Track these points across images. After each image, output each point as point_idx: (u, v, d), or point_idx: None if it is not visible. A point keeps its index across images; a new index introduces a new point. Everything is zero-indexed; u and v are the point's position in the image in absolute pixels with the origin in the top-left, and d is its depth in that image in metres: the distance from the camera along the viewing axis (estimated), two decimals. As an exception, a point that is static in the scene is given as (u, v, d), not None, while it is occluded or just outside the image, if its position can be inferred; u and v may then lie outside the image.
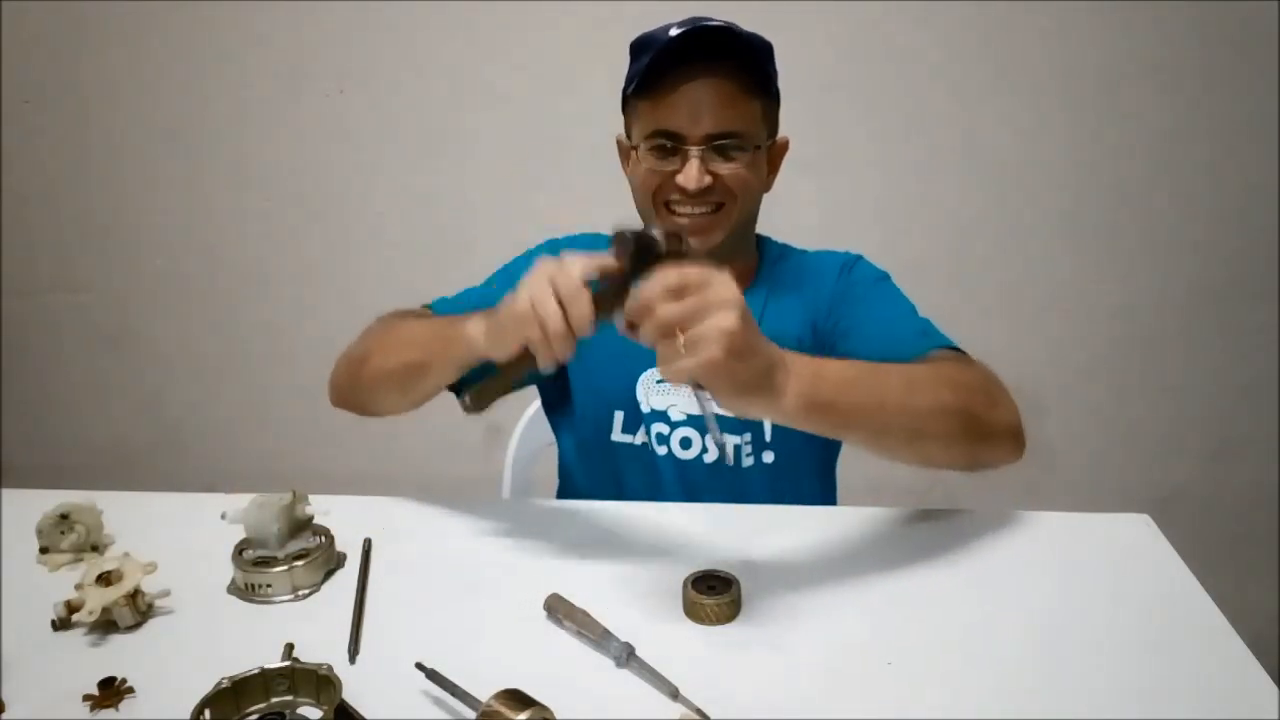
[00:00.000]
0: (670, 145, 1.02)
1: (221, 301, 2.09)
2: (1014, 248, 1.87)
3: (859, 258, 1.16)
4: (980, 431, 0.90)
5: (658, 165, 1.03)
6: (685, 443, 1.12)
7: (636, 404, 1.13)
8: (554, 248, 1.18)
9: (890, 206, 1.86)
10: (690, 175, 1.00)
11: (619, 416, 1.14)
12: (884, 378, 0.86)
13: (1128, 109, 1.76)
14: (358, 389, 1.07)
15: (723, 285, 0.72)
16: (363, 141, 1.93)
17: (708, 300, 0.71)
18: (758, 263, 1.17)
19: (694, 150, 1.00)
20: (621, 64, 1.07)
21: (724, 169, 1.02)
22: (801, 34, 1.71)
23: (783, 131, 1.09)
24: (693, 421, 1.12)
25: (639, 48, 1.05)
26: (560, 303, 0.77)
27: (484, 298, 1.13)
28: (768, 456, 1.11)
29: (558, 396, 1.20)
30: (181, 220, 2.04)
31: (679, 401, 1.11)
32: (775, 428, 1.11)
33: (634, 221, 0.88)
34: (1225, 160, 1.77)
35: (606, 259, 0.81)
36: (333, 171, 1.96)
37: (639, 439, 1.14)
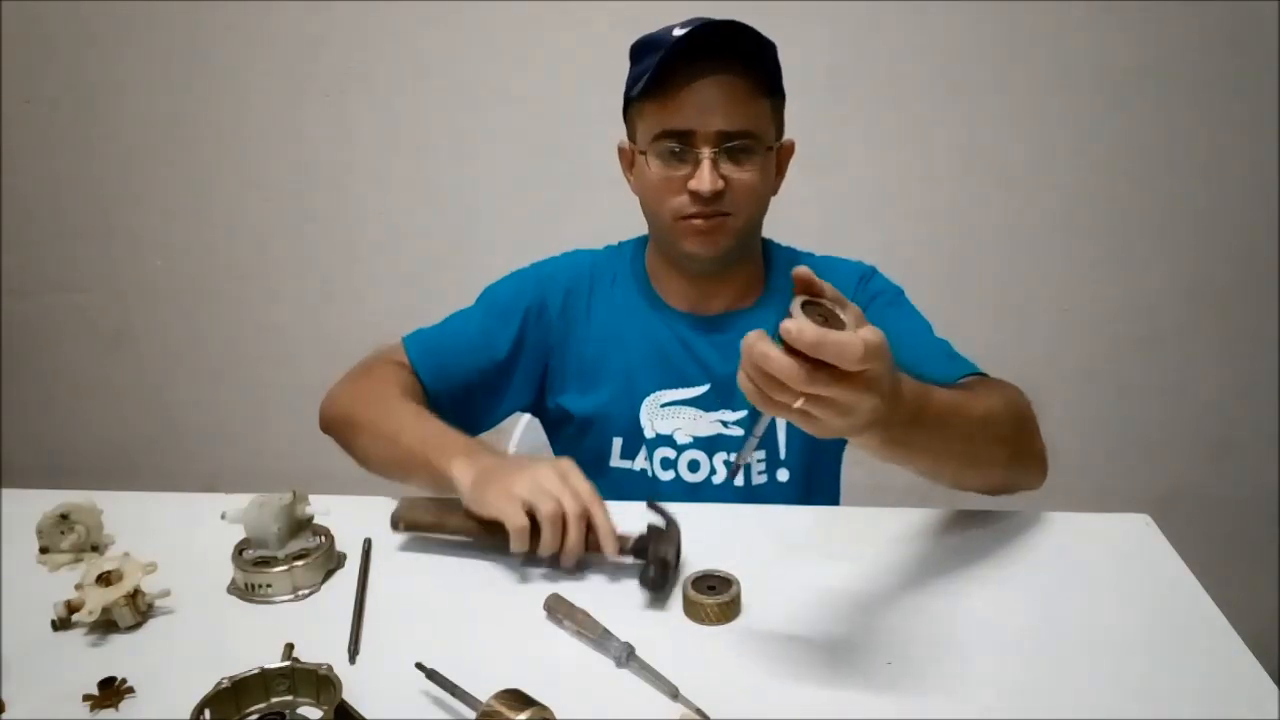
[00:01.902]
0: (680, 149, 1.00)
1: (222, 301, 2.09)
2: (1015, 247, 1.87)
3: (874, 270, 1.14)
4: (1020, 462, 0.92)
5: (668, 171, 1.01)
6: (693, 466, 1.11)
7: (637, 429, 1.11)
8: (538, 272, 1.16)
9: (890, 207, 1.86)
10: (704, 178, 0.98)
11: (617, 443, 1.12)
12: (967, 416, 0.83)
13: (1128, 109, 1.76)
14: (348, 447, 1.07)
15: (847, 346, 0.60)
16: (364, 142, 1.93)
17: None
18: (765, 269, 1.15)
19: (706, 152, 0.98)
20: (625, 64, 1.07)
21: (734, 174, 1.00)
22: (801, 34, 1.71)
23: (784, 130, 1.09)
24: (699, 444, 1.10)
25: (641, 50, 1.03)
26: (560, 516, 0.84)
27: (462, 334, 1.12)
28: (782, 475, 1.10)
29: (555, 418, 1.19)
30: (182, 220, 2.04)
31: (684, 425, 1.10)
32: (791, 446, 1.09)
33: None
34: (1225, 160, 1.77)
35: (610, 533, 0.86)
36: (333, 171, 1.96)
37: (638, 464, 1.12)
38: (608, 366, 1.12)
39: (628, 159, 1.10)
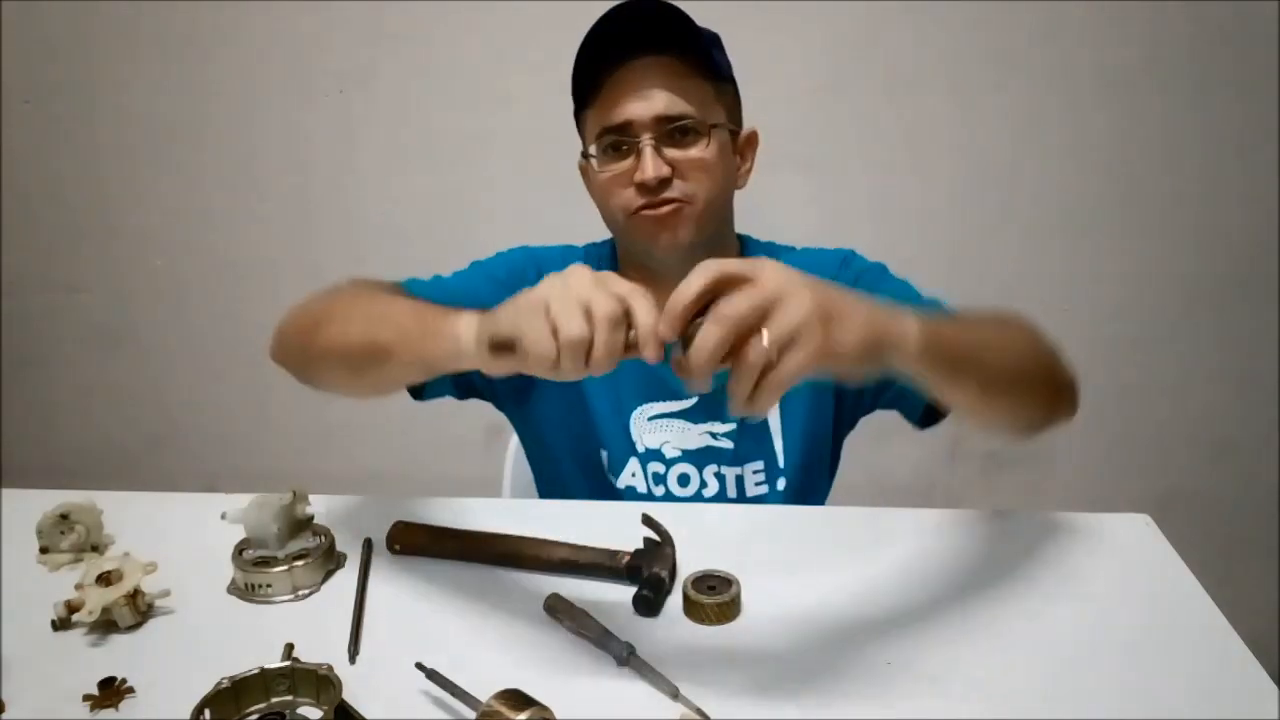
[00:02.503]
0: (623, 145, 0.96)
1: (222, 301, 2.09)
2: (1013, 247, 1.87)
3: (853, 252, 1.12)
4: (1057, 384, 0.88)
5: (612, 166, 0.98)
6: (683, 480, 1.08)
7: (625, 444, 1.08)
8: (529, 255, 1.13)
9: (888, 206, 1.86)
10: (646, 165, 0.94)
11: (603, 456, 1.09)
12: (979, 324, 0.80)
13: (1127, 108, 1.76)
14: (305, 353, 0.92)
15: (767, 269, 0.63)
16: (364, 142, 1.93)
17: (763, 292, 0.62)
18: None
19: (646, 139, 0.94)
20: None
21: (681, 156, 0.96)
22: (801, 34, 1.71)
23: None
24: (689, 457, 1.08)
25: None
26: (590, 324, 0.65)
27: (458, 291, 1.04)
28: (780, 483, 1.09)
29: (531, 440, 1.15)
30: (182, 220, 2.04)
31: (672, 438, 1.07)
32: (788, 454, 1.07)
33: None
34: (1224, 160, 1.77)
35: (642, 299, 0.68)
36: (334, 171, 1.96)
37: (628, 479, 1.09)
38: (593, 379, 1.10)
39: (586, 174, 1.07)
